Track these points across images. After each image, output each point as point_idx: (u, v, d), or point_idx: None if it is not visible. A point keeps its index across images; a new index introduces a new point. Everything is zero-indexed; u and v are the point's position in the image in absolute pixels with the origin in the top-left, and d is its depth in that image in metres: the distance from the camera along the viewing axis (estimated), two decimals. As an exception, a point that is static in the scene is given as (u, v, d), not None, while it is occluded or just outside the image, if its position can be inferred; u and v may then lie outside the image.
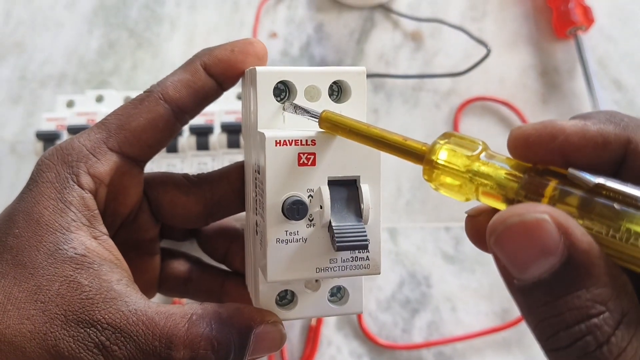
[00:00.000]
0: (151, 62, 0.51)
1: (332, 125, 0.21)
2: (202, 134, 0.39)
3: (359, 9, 0.52)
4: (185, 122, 0.26)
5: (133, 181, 0.25)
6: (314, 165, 0.20)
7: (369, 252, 0.21)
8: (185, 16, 0.53)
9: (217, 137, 0.39)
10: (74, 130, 0.40)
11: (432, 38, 0.50)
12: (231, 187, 0.27)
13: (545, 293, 0.16)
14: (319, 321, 0.41)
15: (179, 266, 0.30)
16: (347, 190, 0.21)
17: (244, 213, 0.27)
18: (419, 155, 0.20)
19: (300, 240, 0.21)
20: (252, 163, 0.24)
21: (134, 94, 0.43)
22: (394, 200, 0.45)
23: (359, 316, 0.41)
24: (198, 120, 0.40)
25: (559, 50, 0.50)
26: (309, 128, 0.21)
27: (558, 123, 0.18)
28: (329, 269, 0.21)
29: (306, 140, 0.20)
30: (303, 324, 0.42)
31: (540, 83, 0.49)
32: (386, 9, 0.52)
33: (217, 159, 0.39)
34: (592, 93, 0.46)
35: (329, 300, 0.23)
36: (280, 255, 0.21)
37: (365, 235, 0.21)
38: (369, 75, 0.48)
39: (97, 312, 0.21)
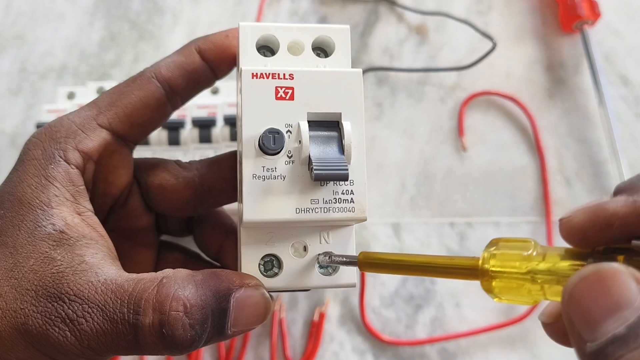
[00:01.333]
0: (153, 54, 0.50)
1: (373, 264, 0.20)
2: (205, 127, 0.39)
3: (363, 2, 0.51)
4: (177, 106, 0.26)
5: (123, 161, 0.25)
6: (292, 99, 0.20)
7: (353, 194, 0.20)
8: (187, 8, 0.52)
9: (220, 130, 0.39)
10: (74, 122, 0.39)
11: (437, 32, 0.50)
12: (222, 175, 0.26)
13: (619, 347, 0.15)
14: (322, 316, 0.41)
15: (175, 260, 0.29)
16: (328, 131, 0.20)
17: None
18: (472, 270, 0.19)
19: (279, 177, 0.20)
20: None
21: (135, 86, 0.43)
22: (397, 195, 0.44)
23: (362, 312, 0.41)
24: (201, 112, 0.40)
25: (565, 44, 0.49)
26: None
27: (609, 208, 0.17)
28: (310, 210, 0.20)
29: (284, 74, 0.20)
30: (305, 319, 0.42)
31: (546, 78, 0.48)
32: (391, 2, 0.51)
33: (220, 152, 0.39)
34: (598, 88, 0.46)
35: (318, 270, 0.22)
36: (257, 193, 0.20)
37: (346, 166, 0.19)
38: (373, 69, 0.48)
39: (65, 284, 0.20)
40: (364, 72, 0.47)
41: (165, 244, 0.30)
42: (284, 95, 0.20)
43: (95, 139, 0.24)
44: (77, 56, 0.50)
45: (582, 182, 0.45)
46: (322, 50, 0.22)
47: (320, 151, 0.20)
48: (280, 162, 0.20)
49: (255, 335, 0.41)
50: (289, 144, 0.20)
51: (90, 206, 0.24)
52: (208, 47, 0.25)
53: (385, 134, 0.46)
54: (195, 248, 0.31)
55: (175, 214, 0.28)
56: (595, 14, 0.48)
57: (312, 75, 0.20)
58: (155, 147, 0.39)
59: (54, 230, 0.21)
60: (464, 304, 0.42)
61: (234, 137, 0.39)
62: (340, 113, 0.20)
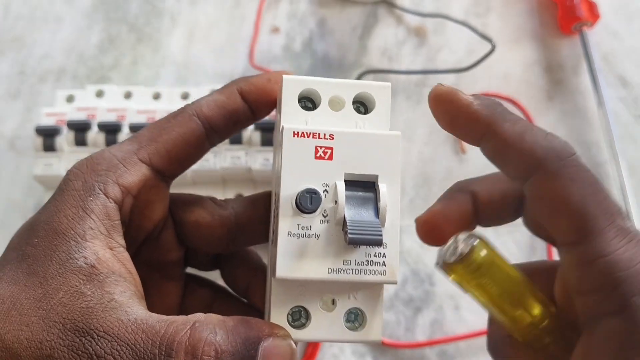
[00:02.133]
0: (151, 57, 0.50)
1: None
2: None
3: (362, 4, 0.51)
4: (214, 144, 0.26)
5: (159, 196, 0.25)
6: (331, 159, 0.20)
7: (385, 257, 0.20)
8: (185, 11, 0.52)
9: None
10: (74, 125, 0.39)
11: (435, 33, 0.50)
12: (257, 215, 0.26)
13: None
14: (321, 319, 0.41)
15: (202, 294, 0.30)
16: (364, 192, 0.21)
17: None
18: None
19: (313, 236, 0.20)
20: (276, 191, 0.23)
21: (134, 89, 0.43)
22: (397, 197, 0.44)
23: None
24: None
25: (564, 46, 0.49)
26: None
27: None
28: (342, 271, 0.20)
29: (324, 134, 0.20)
30: (305, 322, 0.42)
31: (545, 79, 0.48)
32: (389, 4, 0.51)
33: (220, 156, 0.39)
34: (597, 89, 0.46)
35: (345, 324, 0.22)
36: (291, 250, 0.20)
37: (380, 231, 0.20)
38: (372, 71, 0.48)
39: (94, 320, 0.20)
40: (363, 74, 0.47)
41: (193, 277, 0.30)
42: (323, 155, 0.20)
43: (135, 173, 0.24)
44: (76, 59, 0.50)
45: (581, 183, 0.45)
46: (362, 104, 0.22)
47: (356, 213, 0.20)
48: (315, 221, 0.20)
49: (255, 338, 0.41)
50: (325, 203, 0.20)
51: (122, 241, 0.24)
52: (249, 89, 0.25)
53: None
54: (221, 282, 0.31)
55: (207, 250, 0.28)
56: (594, 15, 0.48)
57: (352, 137, 0.20)
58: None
59: (85, 264, 0.22)
60: (464, 306, 0.42)
61: (232, 140, 0.39)
62: (377, 175, 0.20)
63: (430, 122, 0.47)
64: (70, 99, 0.43)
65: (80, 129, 0.40)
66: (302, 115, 0.22)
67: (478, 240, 0.20)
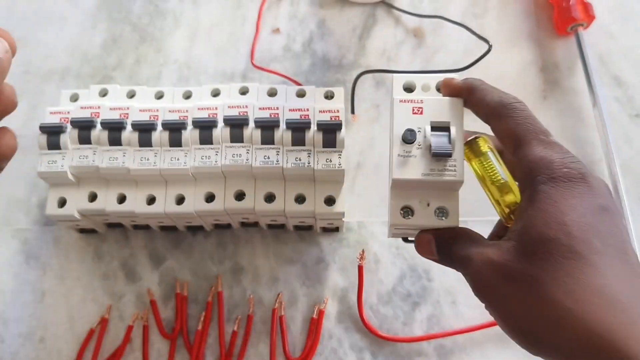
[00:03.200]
0: (154, 57, 0.51)
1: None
2: (206, 128, 0.40)
3: (361, 5, 0.52)
4: None
5: None
6: (422, 114, 0.33)
7: (455, 166, 0.32)
8: (188, 11, 0.53)
9: (220, 131, 0.39)
10: (77, 123, 0.40)
11: (433, 34, 0.51)
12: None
13: None
14: (321, 314, 0.42)
15: None
16: (442, 132, 0.32)
17: None
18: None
19: (413, 156, 0.32)
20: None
21: (137, 89, 0.44)
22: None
23: (360, 309, 0.42)
24: (202, 114, 0.40)
25: (560, 46, 0.50)
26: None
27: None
28: (430, 175, 0.32)
29: (418, 100, 0.33)
30: (305, 316, 0.42)
31: (541, 79, 0.49)
32: (388, 5, 0.52)
33: (221, 153, 0.39)
34: (592, 89, 0.47)
35: (435, 217, 0.33)
36: (400, 164, 0.32)
37: (451, 149, 0.31)
38: (371, 71, 0.48)
39: None
40: (362, 74, 0.47)
41: None
42: (417, 111, 0.33)
43: None
44: (80, 59, 0.51)
45: (576, 181, 0.46)
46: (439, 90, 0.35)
47: (437, 142, 0.32)
48: (414, 148, 0.32)
49: (256, 333, 0.42)
50: (419, 138, 0.32)
51: None
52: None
53: (383, 135, 0.47)
54: None
55: None
56: (590, 16, 0.48)
57: (433, 101, 0.33)
58: (156, 148, 0.40)
59: None
60: (461, 301, 0.42)
61: (234, 138, 0.39)
62: (449, 122, 0.32)
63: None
64: (74, 97, 0.44)
65: (83, 127, 0.40)
66: (406, 95, 0.34)
67: (483, 137, 0.32)
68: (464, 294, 0.42)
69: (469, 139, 0.33)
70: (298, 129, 0.39)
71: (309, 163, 0.39)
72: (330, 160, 0.39)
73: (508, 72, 0.49)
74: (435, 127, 0.33)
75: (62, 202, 0.41)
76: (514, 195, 0.30)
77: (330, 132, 0.39)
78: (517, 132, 0.29)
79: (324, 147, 0.39)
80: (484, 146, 0.32)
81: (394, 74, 0.35)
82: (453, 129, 0.32)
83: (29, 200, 0.46)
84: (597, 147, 0.46)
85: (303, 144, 0.39)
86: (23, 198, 0.47)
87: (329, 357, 0.41)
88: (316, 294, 0.43)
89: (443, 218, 0.33)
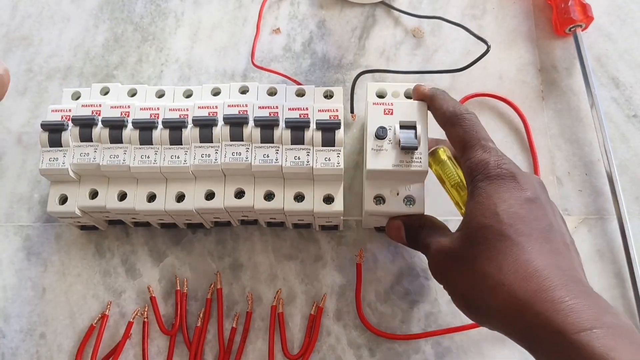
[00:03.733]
0: (156, 56, 0.51)
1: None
2: (206, 127, 0.40)
3: (361, 6, 0.53)
4: None
5: None
6: (392, 114, 0.38)
7: (420, 157, 0.37)
8: (189, 11, 0.53)
9: (220, 130, 0.40)
10: (78, 121, 0.41)
11: (432, 35, 0.51)
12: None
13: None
14: (319, 311, 0.42)
15: None
16: (409, 130, 0.38)
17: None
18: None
19: (384, 150, 0.37)
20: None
21: (139, 87, 0.44)
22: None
23: (358, 307, 0.42)
24: (202, 112, 0.41)
25: (558, 47, 0.50)
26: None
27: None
28: (399, 165, 0.37)
29: (388, 103, 0.39)
30: (303, 314, 0.43)
31: (539, 80, 0.49)
32: (387, 6, 0.52)
33: (221, 151, 0.40)
34: (590, 90, 0.47)
35: (404, 204, 0.38)
36: (373, 156, 0.37)
37: (417, 144, 0.37)
38: (370, 71, 0.49)
39: None
40: (361, 74, 0.48)
41: None
42: (388, 113, 0.38)
43: None
44: (82, 57, 0.52)
45: (573, 181, 0.46)
46: (408, 97, 0.42)
47: (405, 137, 0.37)
48: (385, 143, 0.38)
49: (255, 329, 0.42)
50: (390, 135, 0.38)
51: None
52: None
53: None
54: None
55: None
56: (588, 17, 0.49)
57: (402, 104, 0.39)
58: (157, 146, 0.40)
59: None
60: (458, 299, 0.43)
61: (234, 137, 0.40)
62: (415, 121, 0.38)
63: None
64: (76, 96, 0.44)
65: (85, 125, 0.41)
66: (378, 99, 0.41)
67: (442, 147, 0.39)
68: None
69: (431, 149, 0.38)
70: (297, 128, 0.39)
71: (308, 162, 0.39)
72: (329, 159, 0.39)
73: (506, 73, 0.49)
74: (404, 126, 0.38)
75: (64, 199, 0.41)
76: (466, 194, 0.35)
77: (329, 131, 0.39)
78: (464, 139, 0.35)
79: (323, 146, 0.39)
80: (443, 155, 0.38)
81: (368, 83, 0.42)
82: (419, 127, 0.38)
83: (31, 197, 0.47)
84: (594, 147, 0.47)
85: (302, 143, 0.39)
86: (25, 195, 0.47)
87: (327, 354, 0.42)
88: (315, 291, 0.43)
89: (410, 205, 0.38)
